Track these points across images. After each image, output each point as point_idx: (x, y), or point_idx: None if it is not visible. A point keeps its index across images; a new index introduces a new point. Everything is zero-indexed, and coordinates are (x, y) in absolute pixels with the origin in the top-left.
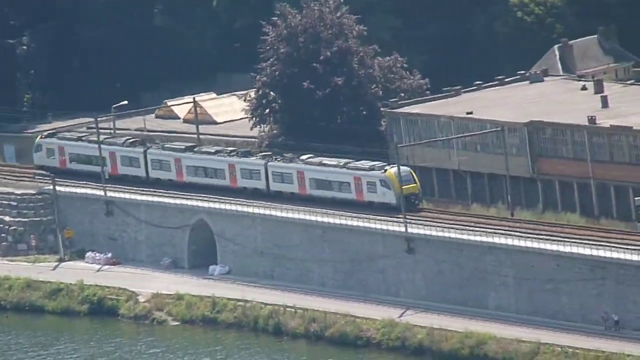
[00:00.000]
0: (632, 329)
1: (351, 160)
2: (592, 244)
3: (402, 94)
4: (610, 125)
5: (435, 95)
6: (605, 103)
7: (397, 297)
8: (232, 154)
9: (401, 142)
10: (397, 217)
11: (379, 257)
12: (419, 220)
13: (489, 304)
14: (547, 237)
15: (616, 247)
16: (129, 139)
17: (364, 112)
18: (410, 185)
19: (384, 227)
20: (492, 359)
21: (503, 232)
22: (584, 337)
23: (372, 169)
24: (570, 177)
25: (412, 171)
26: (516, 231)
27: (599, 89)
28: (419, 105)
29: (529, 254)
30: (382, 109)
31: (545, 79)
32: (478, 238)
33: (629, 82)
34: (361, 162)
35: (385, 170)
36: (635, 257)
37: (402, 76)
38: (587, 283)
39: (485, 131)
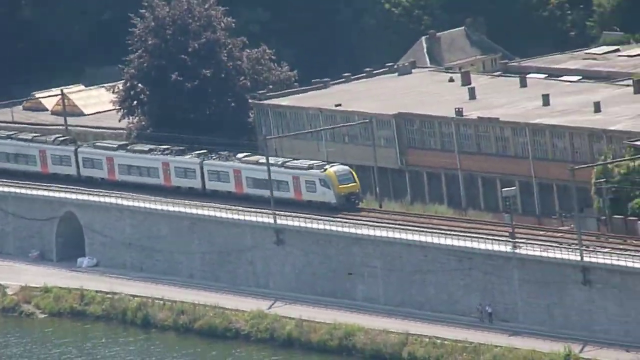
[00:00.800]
0: (500, 319)
1: (290, 159)
2: (460, 235)
3: (271, 86)
4: (478, 116)
5: (304, 88)
6: (472, 94)
7: (266, 288)
8: (166, 152)
9: (270, 134)
10: (267, 210)
11: (248, 249)
12: (290, 213)
13: (357, 295)
14: (415, 228)
15: (483, 238)
16: (60, 136)
17: (233, 104)
18: (350, 185)
19: (253, 218)
20: (361, 351)
21: (371, 223)
22: (452, 327)
23: (311, 167)
24: (438, 168)
25: (351, 170)
26: (384, 222)
27: (466, 80)
28: (287, 97)
29: (396, 245)
30: (250, 100)
31: (413, 71)
32: (346, 229)
33: (495, 73)
34: (300, 160)
35: (325, 170)
36: (502, 248)
37: (270, 68)
38: (454, 274)
39: (354, 123)
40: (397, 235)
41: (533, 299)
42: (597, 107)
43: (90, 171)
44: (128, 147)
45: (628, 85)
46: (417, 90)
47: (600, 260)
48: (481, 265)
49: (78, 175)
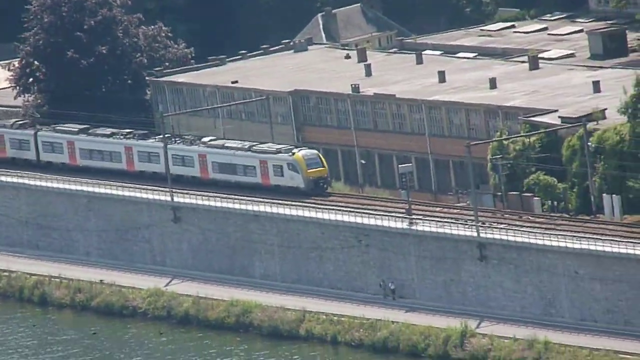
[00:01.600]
0: (397, 295)
1: (256, 143)
2: (357, 212)
3: (167, 63)
4: (374, 93)
5: (201, 65)
6: (368, 71)
7: (164, 266)
8: (129, 136)
9: (167, 112)
10: (165, 188)
11: (145, 227)
12: (187, 191)
13: (254, 272)
14: (312, 206)
15: (380, 214)
16: (18, 120)
17: (129, 81)
18: (319, 169)
19: (150, 196)
20: (258, 328)
21: (268, 200)
22: (350, 304)
23: (279, 152)
24: (335, 145)
25: (319, 154)
26: (282, 200)
27: (362, 57)
28: (184, 74)
29: (294, 222)
30: (147, 78)
31: (309, 48)
32: (243, 206)
33: (391, 50)
34: (267, 144)
35: (293, 154)
36: (398, 225)
37: (166, 45)
38: (352, 251)
39: (250, 100)
40: (294, 212)
41: (430, 275)
42: (493, 84)
43: (50, 156)
44: (90, 131)
45: (523, 62)
46: (313, 67)
47: (497, 236)
48: (378, 242)
49: (37, 160)
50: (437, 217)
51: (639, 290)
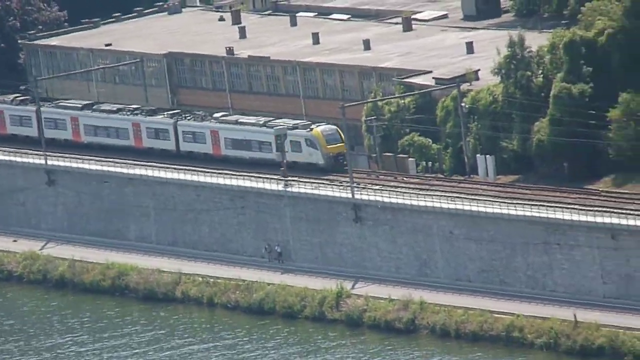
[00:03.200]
0: (274, 258)
1: (271, 119)
2: (232, 175)
3: (41, 27)
4: (248, 55)
5: (74, 28)
6: (243, 34)
7: (38, 229)
8: (136, 112)
9: (40, 75)
10: (38, 151)
11: (20, 190)
12: (61, 154)
13: (130, 235)
14: (187, 169)
15: (255, 177)
16: (19, 96)
17: (2, 45)
18: (338, 145)
19: (24, 160)
20: (134, 290)
21: (143, 164)
22: (226, 266)
23: (295, 127)
24: (210, 107)
25: (338, 129)
26: (156, 162)
27: (236, 19)
28: (57, 37)
29: (169, 185)
30: (20, 41)
31: (183, 10)
32: (118, 169)
33: (265, 12)
34: (283, 120)
35: (312, 129)
36: (274, 187)
37: (40, 8)
38: (227, 213)
39: (124, 63)
40: (169, 175)
41: (305, 236)
42: (367, 45)
43: (53, 132)
44: (94, 107)
45: (397, 24)
46: (187, 30)
47: (371, 198)
48: (254, 203)
49: (40, 137)
50: (312, 178)
51: (513, 250)
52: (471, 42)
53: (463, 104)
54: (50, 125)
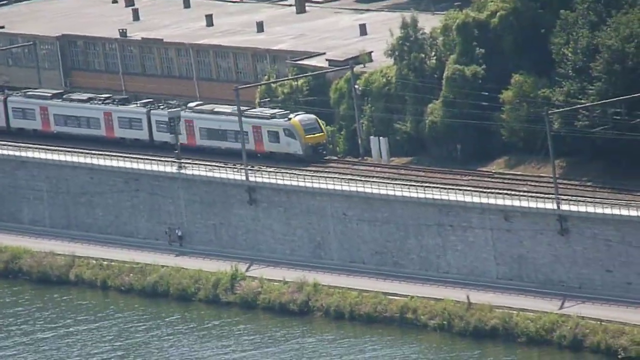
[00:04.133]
0: (173, 241)
1: (248, 108)
2: (126, 157)
3: None
4: (142, 37)
5: None
6: (136, 16)
7: None
8: (108, 101)
9: None
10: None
11: None
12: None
13: (23, 218)
14: (82, 151)
15: (149, 159)
16: None
17: None
18: (317, 135)
19: None
20: (27, 274)
21: (36, 146)
22: (120, 249)
23: (273, 117)
24: (103, 89)
25: (317, 119)
26: (49, 145)
27: (129, 1)
28: None
29: (63, 167)
30: None
31: None
32: (10, 152)
33: None
34: (259, 109)
35: (290, 119)
36: (168, 169)
37: None
38: (121, 195)
39: (17, 45)
40: (62, 157)
41: (200, 219)
42: (260, 27)
43: (21, 122)
44: (64, 96)
45: (290, 5)
46: (80, 12)
47: (265, 180)
48: (148, 186)
49: (7, 127)
50: (206, 161)
51: (407, 232)
52: (364, 24)
53: (356, 86)
54: (19, 115)
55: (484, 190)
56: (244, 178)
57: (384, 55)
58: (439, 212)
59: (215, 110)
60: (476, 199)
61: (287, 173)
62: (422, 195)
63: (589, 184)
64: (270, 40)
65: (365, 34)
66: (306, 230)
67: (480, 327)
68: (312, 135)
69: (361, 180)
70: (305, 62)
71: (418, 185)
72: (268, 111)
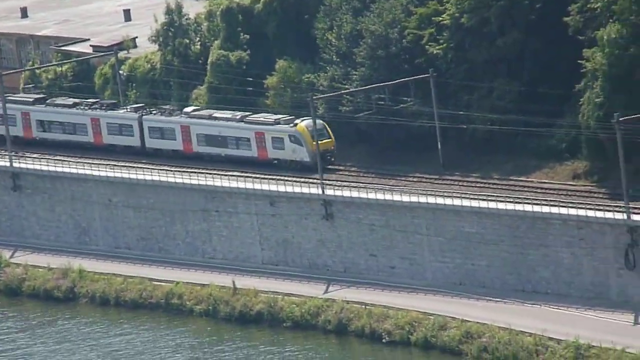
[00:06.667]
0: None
1: (249, 113)
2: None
3: None
4: None
5: None
6: None
7: None
8: (95, 106)
9: None
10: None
11: None
12: None
13: None
14: None
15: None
16: None
17: None
18: (325, 141)
19: None
20: None
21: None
22: None
23: (277, 122)
24: None
25: (325, 124)
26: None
27: None
28: None
29: None
30: None
31: None
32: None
33: None
34: (262, 115)
35: (296, 124)
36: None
37: None
38: None
39: None
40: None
41: None
42: (24, 13)
43: (1, 129)
44: (47, 101)
45: None
46: None
47: (30, 166)
48: None
49: None
50: None
51: (172, 218)
52: (129, 10)
53: (121, 72)
54: None
55: (250, 176)
56: (7, 164)
57: (148, 41)
58: (205, 198)
59: (215, 115)
60: (242, 185)
61: (52, 159)
62: (187, 181)
63: (353, 169)
64: (34, 26)
65: (130, 19)
66: (71, 217)
67: (246, 312)
68: (319, 142)
69: (126, 167)
70: (70, 47)
71: (184, 171)
72: (272, 116)
